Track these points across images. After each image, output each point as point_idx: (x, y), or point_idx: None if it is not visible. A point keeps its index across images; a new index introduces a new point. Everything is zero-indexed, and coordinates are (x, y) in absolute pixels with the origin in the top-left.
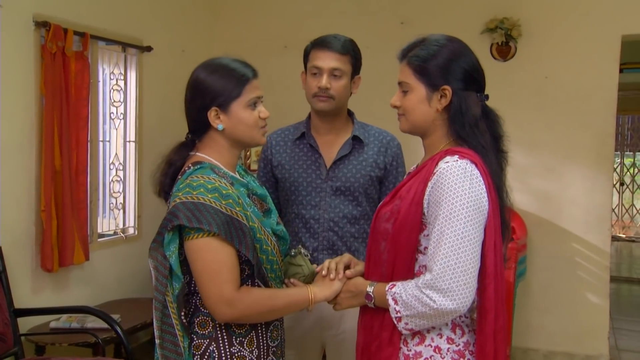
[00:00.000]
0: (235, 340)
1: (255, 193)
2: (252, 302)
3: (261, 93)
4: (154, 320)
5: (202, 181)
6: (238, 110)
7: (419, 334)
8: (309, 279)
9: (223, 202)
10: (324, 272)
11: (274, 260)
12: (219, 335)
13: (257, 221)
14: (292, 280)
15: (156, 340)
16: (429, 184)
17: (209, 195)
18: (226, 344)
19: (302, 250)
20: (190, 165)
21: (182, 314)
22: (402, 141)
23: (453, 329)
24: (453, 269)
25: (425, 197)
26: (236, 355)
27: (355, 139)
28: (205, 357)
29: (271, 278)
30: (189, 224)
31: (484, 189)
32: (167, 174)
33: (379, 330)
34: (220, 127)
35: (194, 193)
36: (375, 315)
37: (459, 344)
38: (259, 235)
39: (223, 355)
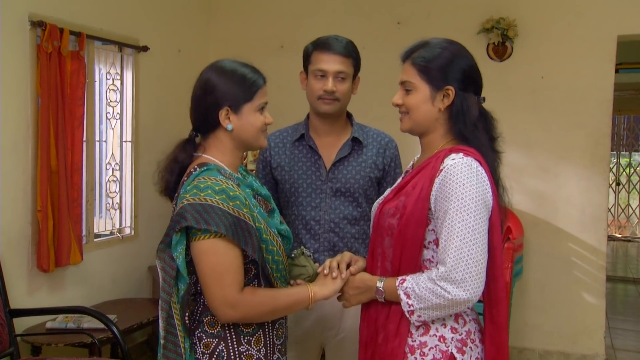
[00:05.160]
0: (244, 340)
1: (260, 194)
2: (255, 303)
3: (267, 99)
4: (159, 320)
5: (209, 183)
6: (249, 112)
7: (423, 325)
8: (314, 279)
9: (230, 204)
10: (325, 271)
11: (280, 260)
12: (227, 335)
13: (263, 222)
14: (297, 281)
15: (161, 340)
16: (436, 181)
17: (217, 197)
18: (235, 343)
19: (305, 251)
20: (196, 167)
21: (186, 315)
22: (398, 141)
23: (456, 319)
24: (466, 261)
25: (433, 193)
26: (245, 354)
27: (354, 140)
28: (215, 356)
29: (277, 277)
30: (197, 225)
31: (489, 185)
32: (174, 171)
33: (384, 322)
34: (229, 127)
35: (202, 195)
36: (381, 308)
37: (462, 333)
38: (265, 235)
39: (232, 354)
